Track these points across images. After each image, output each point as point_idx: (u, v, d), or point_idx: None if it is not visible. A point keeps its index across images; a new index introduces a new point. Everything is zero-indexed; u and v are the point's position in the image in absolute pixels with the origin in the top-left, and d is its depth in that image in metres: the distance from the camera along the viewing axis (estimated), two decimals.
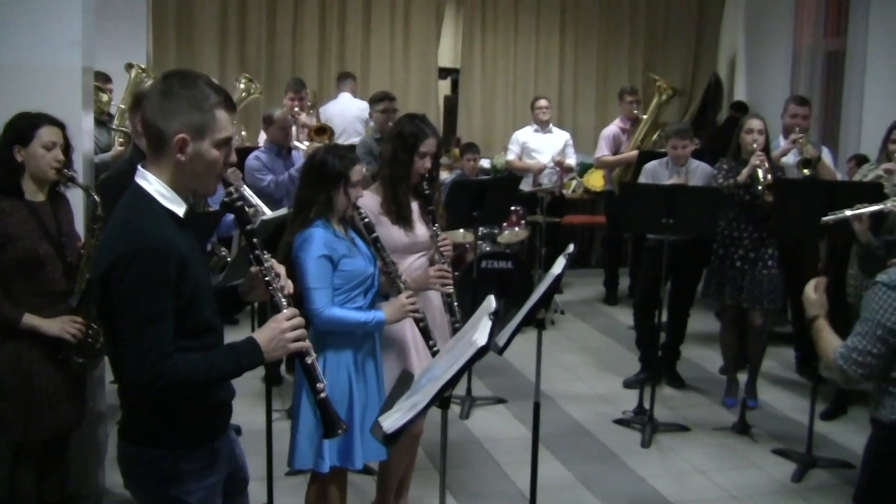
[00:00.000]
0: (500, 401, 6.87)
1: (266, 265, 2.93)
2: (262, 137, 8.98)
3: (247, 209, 2.98)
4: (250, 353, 2.82)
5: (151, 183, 2.75)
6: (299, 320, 2.91)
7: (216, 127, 2.74)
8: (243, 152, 7.36)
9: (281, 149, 7.14)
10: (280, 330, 2.85)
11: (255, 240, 2.92)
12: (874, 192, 5.58)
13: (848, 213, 5.16)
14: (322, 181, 4.05)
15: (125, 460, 2.91)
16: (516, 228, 9.01)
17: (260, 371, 6.29)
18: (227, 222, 5.66)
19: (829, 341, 3.56)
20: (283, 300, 2.93)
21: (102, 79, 7.81)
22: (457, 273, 7.77)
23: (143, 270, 2.61)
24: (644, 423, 6.35)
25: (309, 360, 3.01)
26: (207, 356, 2.77)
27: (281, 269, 3.01)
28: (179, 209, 2.78)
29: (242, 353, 2.82)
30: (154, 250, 2.63)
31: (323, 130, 8.06)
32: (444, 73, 12.70)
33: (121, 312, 2.64)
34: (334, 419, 3.08)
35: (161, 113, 2.71)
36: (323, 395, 3.05)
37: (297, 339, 2.89)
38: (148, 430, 2.84)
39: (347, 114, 9.83)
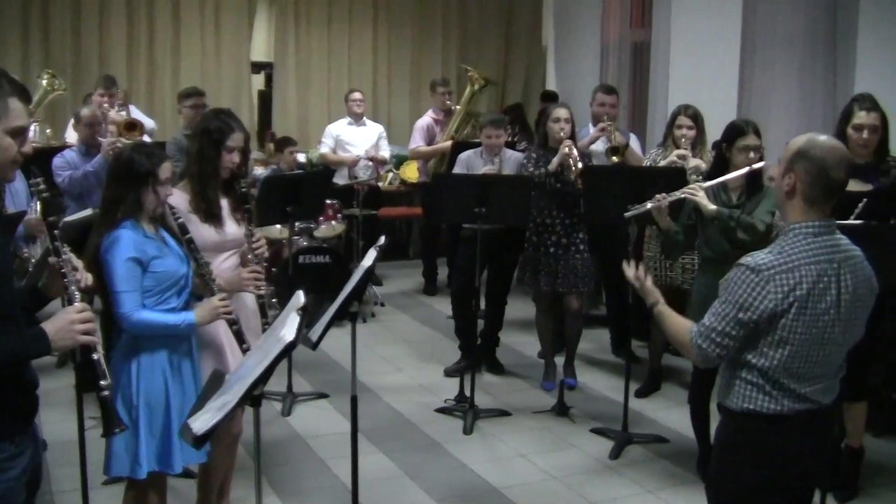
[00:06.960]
0: (322, 396, 6.85)
1: (64, 257, 2.92)
2: (69, 135, 8.73)
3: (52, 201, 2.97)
4: (37, 341, 2.79)
5: None
6: (90, 314, 2.88)
7: (9, 115, 2.73)
8: (55, 151, 7.14)
9: (90, 147, 6.93)
10: (69, 321, 2.82)
11: (55, 231, 2.92)
12: (678, 177, 5.79)
13: (649, 205, 5.32)
14: (129, 180, 3.95)
15: None
16: (333, 222, 8.97)
17: (71, 378, 6.10)
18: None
19: (679, 323, 3.51)
20: (77, 294, 2.91)
21: None
22: (274, 269, 7.70)
23: None
24: (465, 411, 6.43)
25: (95, 357, 2.97)
26: None
27: (79, 263, 2.99)
28: None
29: (29, 342, 2.80)
30: None
31: (133, 126, 7.82)
32: (257, 67, 12.50)
33: None
34: (114, 418, 3.08)
35: None
36: (105, 392, 3.02)
37: (86, 333, 2.86)
38: None
39: None
